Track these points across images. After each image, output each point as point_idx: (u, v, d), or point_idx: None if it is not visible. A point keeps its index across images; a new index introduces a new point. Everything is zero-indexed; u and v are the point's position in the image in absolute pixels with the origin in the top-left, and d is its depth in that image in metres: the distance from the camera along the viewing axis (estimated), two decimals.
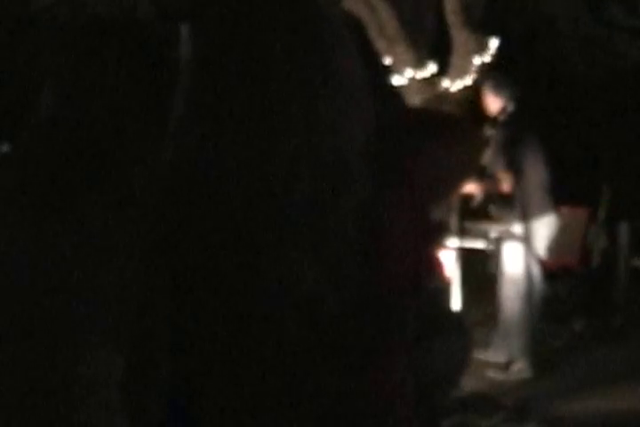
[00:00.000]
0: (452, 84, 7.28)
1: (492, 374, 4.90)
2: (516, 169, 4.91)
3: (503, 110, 5.04)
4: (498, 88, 5.06)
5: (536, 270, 5.02)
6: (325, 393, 1.19)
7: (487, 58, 7.23)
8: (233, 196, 1.15)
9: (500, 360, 5.01)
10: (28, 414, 1.23)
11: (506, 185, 4.92)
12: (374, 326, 1.20)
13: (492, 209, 5.27)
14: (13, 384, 1.23)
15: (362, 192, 1.17)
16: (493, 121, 5.02)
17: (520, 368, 4.93)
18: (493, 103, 5.08)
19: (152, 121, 1.35)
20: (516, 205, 4.93)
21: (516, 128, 5.00)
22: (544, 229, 5.00)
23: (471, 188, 5.04)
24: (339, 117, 1.17)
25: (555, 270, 5.55)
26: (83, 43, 1.37)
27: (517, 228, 4.96)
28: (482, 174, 5.05)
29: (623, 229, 6.31)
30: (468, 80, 7.26)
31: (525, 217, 4.96)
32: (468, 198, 5.14)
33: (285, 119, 1.14)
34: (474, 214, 5.28)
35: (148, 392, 1.20)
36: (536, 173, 4.99)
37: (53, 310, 1.23)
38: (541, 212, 4.99)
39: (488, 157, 5.04)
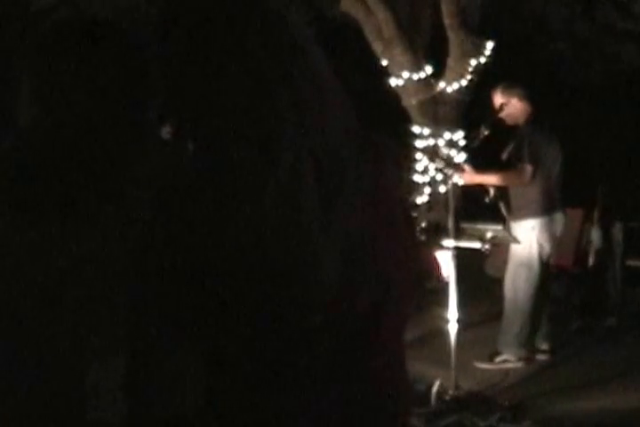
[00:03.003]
0: (449, 86, 7.31)
1: (479, 364, 5.03)
2: (538, 162, 5.04)
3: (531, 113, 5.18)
4: (520, 94, 5.18)
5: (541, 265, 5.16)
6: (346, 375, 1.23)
7: (483, 60, 7.27)
8: (241, 199, 1.17)
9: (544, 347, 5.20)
10: (41, 415, 1.26)
11: (527, 177, 5.02)
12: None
13: (503, 206, 5.36)
14: (25, 390, 1.26)
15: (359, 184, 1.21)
16: (492, 121, 5.07)
17: (504, 360, 5.08)
18: (520, 108, 5.18)
19: (130, 124, 1.36)
20: (533, 201, 5.06)
21: (540, 126, 5.16)
22: (559, 224, 5.15)
23: (489, 180, 5.13)
24: (326, 117, 1.20)
25: (551, 271, 5.59)
26: (55, 46, 1.36)
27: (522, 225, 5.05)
28: (504, 167, 5.12)
29: (618, 230, 6.34)
30: (464, 82, 7.29)
31: (543, 212, 5.06)
32: (483, 191, 5.23)
33: (279, 123, 1.17)
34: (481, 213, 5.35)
35: (149, 392, 1.22)
36: (555, 169, 5.16)
37: (56, 316, 1.25)
38: (559, 207, 5.15)
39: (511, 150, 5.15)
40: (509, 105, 5.18)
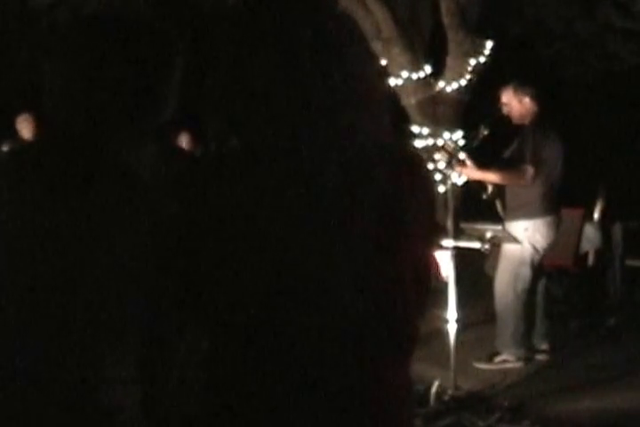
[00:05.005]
0: (448, 86, 7.31)
1: (478, 364, 5.01)
2: (540, 164, 5.02)
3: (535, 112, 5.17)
4: (532, 93, 5.17)
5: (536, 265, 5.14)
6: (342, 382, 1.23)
7: (482, 59, 7.26)
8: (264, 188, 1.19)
9: (544, 347, 5.19)
10: (57, 403, 1.27)
11: (528, 178, 5.00)
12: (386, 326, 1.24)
13: (499, 204, 5.34)
14: (41, 380, 1.28)
15: (382, 182, 1.22)
16: (493, 120, 5.06)
17: (504, 360, 5.06)
18: (530, 108, 5.17)
19: (145, 113, 1.38)
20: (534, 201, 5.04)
21: (544, 127, 5.14)
22: (554, 227, 5.12)
23: (490, 178, 5.12)
24: (358, 115, 1.21)
25: (550, 271, 5.57)
26: (78, 40, 1.39)
27: (521, 225, 5.04)
28: (506, 166, 5.12)
29: (617, 230, 6.34)
30: (463, 81, 7.29)
31: (538, 214, 5.04)
32: (482, 188, 5.21)
33: (309, 116, 1.18)
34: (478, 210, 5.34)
35: (159, 386, 1.25)
36: (556, 171, 5.13)
37: (70, 315, 1.27)
38: (555, 210, 5.11)
39: (513, 150, 5.14)
40: (522, 104, 5.17)
